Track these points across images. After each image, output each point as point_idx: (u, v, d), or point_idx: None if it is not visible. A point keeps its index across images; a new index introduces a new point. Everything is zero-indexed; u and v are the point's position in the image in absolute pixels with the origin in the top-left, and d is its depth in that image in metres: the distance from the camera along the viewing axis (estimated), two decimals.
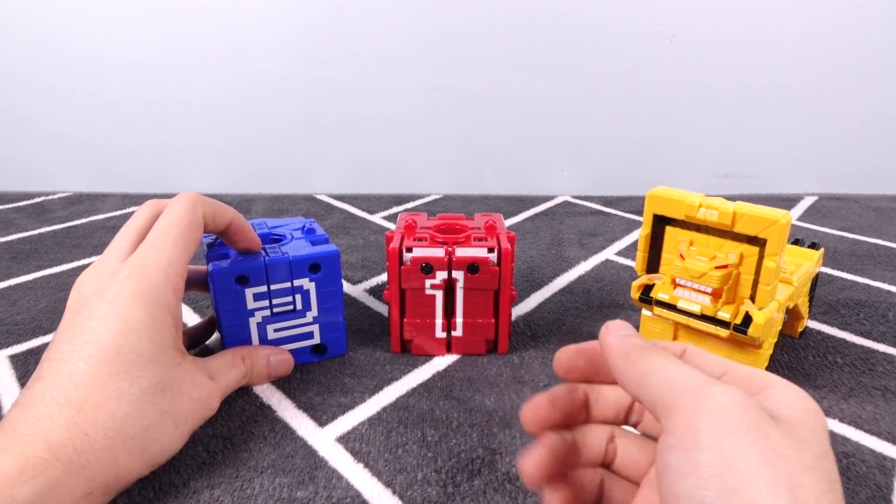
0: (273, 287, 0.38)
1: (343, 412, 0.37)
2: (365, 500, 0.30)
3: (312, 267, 0.39)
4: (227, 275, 0.37)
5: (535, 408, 0.24)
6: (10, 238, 0.66)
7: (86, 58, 0.78)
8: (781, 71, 0.79)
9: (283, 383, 0.40)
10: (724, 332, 0.32)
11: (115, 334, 0.27)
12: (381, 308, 0.50)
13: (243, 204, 0.79)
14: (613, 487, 0.24)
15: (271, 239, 0.42)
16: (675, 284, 0.34)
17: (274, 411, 0.37)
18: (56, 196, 0.82)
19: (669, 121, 0.82)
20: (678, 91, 0.80)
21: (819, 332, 0.46)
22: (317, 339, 0.41)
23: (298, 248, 0.40)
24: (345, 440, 0.34)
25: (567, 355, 0.25)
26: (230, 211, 0.36)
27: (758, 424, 0.17)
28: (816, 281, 0.44)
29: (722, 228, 0.33)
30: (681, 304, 0.34)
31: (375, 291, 0.53)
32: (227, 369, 0.35)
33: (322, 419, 0.36)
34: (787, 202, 0.81)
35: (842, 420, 0.36)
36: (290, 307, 0.39)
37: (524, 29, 0.77)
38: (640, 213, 0.77)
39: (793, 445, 0.17)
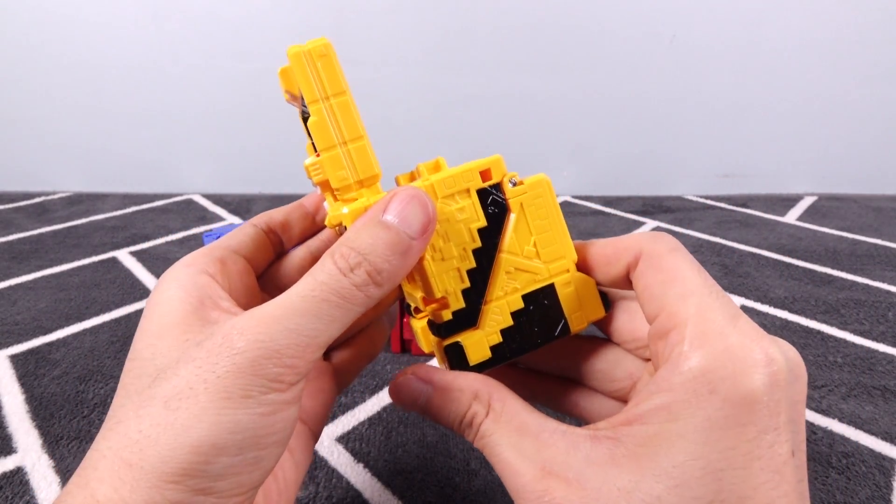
0: None
1: (343, 412, 0.37)
2: (365, 500, 0.30)
3: None
4: None
5: None
6: (10, 238, 0.66)
7: (86, 58, 0.78)
8: (781, 71, 0.79)
9: None
10: None
11: None
12: None
13: (243, 204, 0.79)
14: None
15: None
16: None
17: None
18: (56, 196, 0.82)
19: (669, 121, 0.82)
20: (678, 91, 0.80)
21: (819, 332, 0.46)
22: None
23: None
24: (345, 440, 0.34)
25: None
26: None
27: None
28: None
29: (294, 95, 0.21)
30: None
31: None
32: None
33: None
34: (787, 202, 0.81)
35: (841, 420, 0.36)
36: None
37: (524, 29, 0.77)
38: (640, 213, 0.77)
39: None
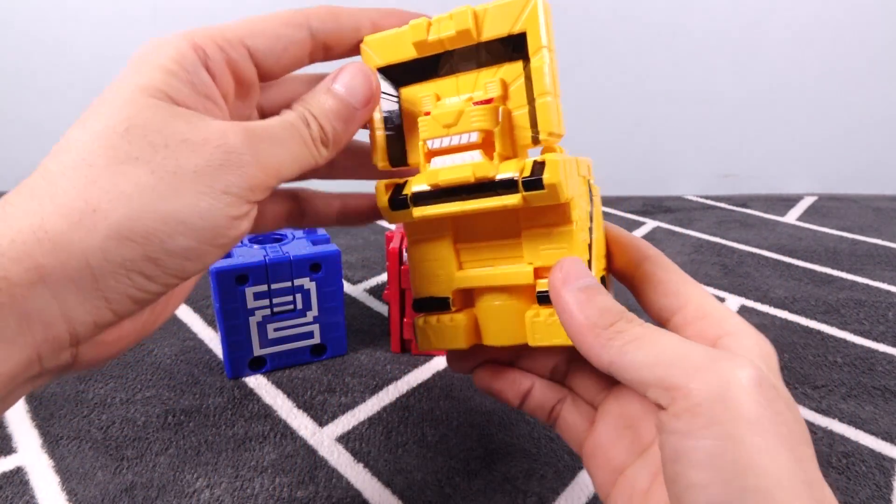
0: (273, 286, 0.38)
1: (343, 412, 0.37)
2: (365, 499, 0.30)
3: (313, 266, 0.39)
4: (227, 274, 0.37)
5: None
6: None
7: (86, 58, 0.78)
8: (782, 71, 0.79)
9: (284, 383, 0.40)
10: (513, 198, 0.20)
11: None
12: (381, 308, 0.50)
13: None
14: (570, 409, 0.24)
15: (272, 238, 0.42)
16: (429, 157, 0.21)
17: (274, 411, 0.37)
18: None
19: (670, 121, 0.82)
20: (678, 91, 0.80)
21: (819, 332, 0.46)
22: (317, 339, 0.41)
23: (299, 247, 0.40)
24: (345, 440, 0.34)
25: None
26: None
27: (774, 409, 0.16)
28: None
29: (466, 46, 0.21)
30: (442, 177, 0.20)
31: (375, 291, 0.53)
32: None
33: (322, 419, 0.36)
34: (787, 202, 0.81)
35: (841, 420, 0.36)
36: (291, 307, 0.40)
37: None
38: (640, 213, 0.77)
39: (796, 420, 0.17)
